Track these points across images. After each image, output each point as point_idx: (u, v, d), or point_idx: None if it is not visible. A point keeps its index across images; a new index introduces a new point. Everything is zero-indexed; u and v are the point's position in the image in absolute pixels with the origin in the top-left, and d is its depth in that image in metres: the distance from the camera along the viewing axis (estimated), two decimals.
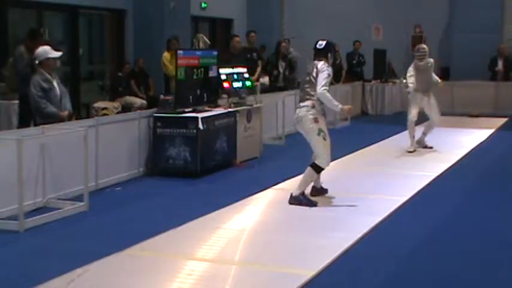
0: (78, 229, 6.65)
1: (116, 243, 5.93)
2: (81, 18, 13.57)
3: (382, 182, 8.73)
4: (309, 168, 7.35)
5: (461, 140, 12.58)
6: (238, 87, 10.22)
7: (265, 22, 18.43)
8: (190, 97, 9.36)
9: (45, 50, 7.88)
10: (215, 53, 10.19)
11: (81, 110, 12.69)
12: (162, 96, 9.49)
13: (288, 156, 10.86)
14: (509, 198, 8.11)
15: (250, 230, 6.46)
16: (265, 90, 12.70)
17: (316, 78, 7.21)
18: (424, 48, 11.19)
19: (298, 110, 7.40)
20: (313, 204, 7.28)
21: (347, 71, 17.50)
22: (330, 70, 7.22)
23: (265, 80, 13.71)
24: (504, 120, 15.62)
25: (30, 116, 8.97)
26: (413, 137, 11.04)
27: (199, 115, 9.03)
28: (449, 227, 6.82)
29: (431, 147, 11.23)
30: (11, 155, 6.52)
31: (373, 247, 6.09)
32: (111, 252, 5.70)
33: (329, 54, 7.36)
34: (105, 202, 7.69)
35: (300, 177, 7.55)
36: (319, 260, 5.58)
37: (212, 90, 9.87)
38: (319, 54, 7.37)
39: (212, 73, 9.80)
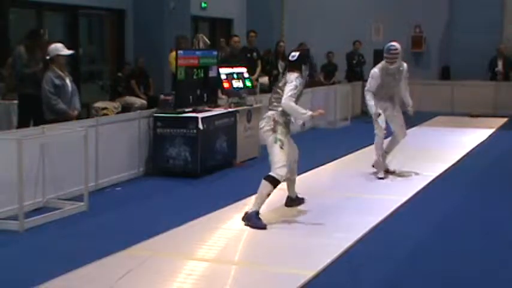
0: (78, 229, 6.65)
1: (116, 243, 5.93)
2: (81, 18, 13.57)
3: (382, 182, 8.72)
4: (263, 182, 6.66)
5: (461, 140, 12.58)
6: (238, 87, 10.22)
7: (265, 22, 18.45)
8: (190, 97, 9.36)
9: (57, 47, 8.09)
10: (215, 53, 10.20)
11: (81, 110, 12.68)
12: (162, 96, 9.49)
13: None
14: (509, 198, 8.11)
15: (250, 230, 6.46)
16: (264, 90, 12.71)
17: (283, 90, 6.72)
18: (396, 49, 8.84)
19: (260, 121, 7.00)
20: (262, 225, 6.52)
21: (347, 71, 17.51)
22: (299, 82, 6.68)
23: (265, 80, 13.72)
24: (504, 120, 15.62)
25: (30, 115, 9.02)
26: (382, 156, 9.05)
27: (199, 115, 9.03)
28: (449, 227, 6.82)
29: (393, 172, 9.22)
30: (11, 155, 6.52)
31: (373, 247, 6.09)
32: (111, 252, 5.70)
33: (303, 66, 6.80)
34: (105, 202, 7.69)
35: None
36: (319, 260, 5.58)
37: (212, 90, 9.87)
38: (292, 66, 6.83)
39: (212, 73, 9.80)
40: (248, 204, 7.52)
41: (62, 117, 7.94)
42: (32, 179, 7.10)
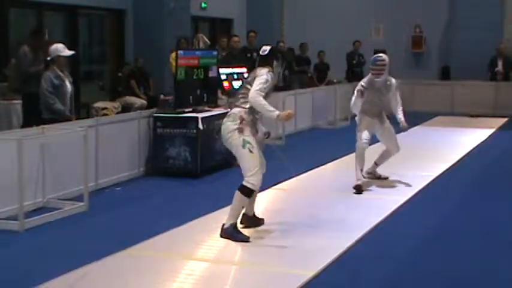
0: (78, 229, 6.66)
1: (116, 243, 5.93)
2: (81, 18, 13.57)
3: (382, 182, 8.72)
4: (236, 193, 6.10)
5: (461, 140, 12.58)
6: (238, 87, 10.22)
7: (265, 22, 18.45)
8: (190, 97, 9.36)
9: (58, 48, 8.10)
10: (215, 53, 10.21)
11: (81, 110, 12.69)
12: (162, 96, 9.50)
13: (288, 156, 10.83)
14: (509, 198, 8.11)
15: (250, 230, 6.45)
16: None
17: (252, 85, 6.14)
18: (382, 60, 8.15)
19: (223, 122, 6.27)
20: (245, 238, 6.07)
21: (347, 71, 17.51)
22: (270, 76, 6.12)
23: None
24: (504, 120, 15.62)
25: (35, 115, 9.04)
26: (362, 170, 8.31)
27: (199, 115, 9.03)
28: (449, 227, 6.82)
29: (386, 178, 8.83)
30: (11, 155, 6.52)
31: (373, 247, 6.09)
32: (111, 252, 5.70)
33: (274, 62, 6.30)
34: (105, 202, 7.70)
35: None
36: (319, 260, 5.59)
37: (212, 90, 9.87)
38: (263, 61, 6.31)
39: (212, 73, 9.80)
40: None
41: (59, 117, 7.94)
42: (32, 179, 7.10)
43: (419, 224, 6.89)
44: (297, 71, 16.52)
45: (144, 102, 12.78)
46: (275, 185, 8.48)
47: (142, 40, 13.88)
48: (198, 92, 9.50)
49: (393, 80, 8.37)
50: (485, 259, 5.81)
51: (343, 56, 17.32)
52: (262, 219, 6.66)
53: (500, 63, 17.16)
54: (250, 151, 6.07)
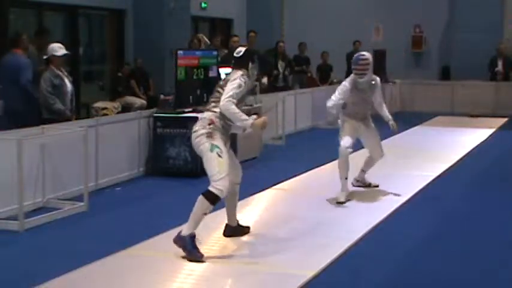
0: (78, 229, 6.66)
1: (116, 243, 5.93)
2: (81, 18, 13.57)
3: (382, 182, 8.71)
4: (200, 198, 5.61)
5: (461, 140, 12.58)
6: None
7: (265, 22, 18.45)
8: (190, 97, 9.36)
9: (53, 48, 8.18)
10: (215, 53, 10.21)
11: (81, 110, 12.69)
12: (162, 96, 9.49)
13: (288, 156, 10.86)
14: (509, 199, 8.11)
15: (250, 230, 6.45)
16: (264, 90, 12.71)
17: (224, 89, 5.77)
18: (365, 58, 7.61)
19: (193, 127, 5.88)
20: (198, 256, 5.52)
21: (347, 71, 17.48)
22: (243, 81, 5.74)
23: (264, 80, 13.72)
24: (504, 120, 15.62)
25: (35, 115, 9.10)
26: (346, 178, 7.70)
27: (199, 115, 8.99)
28: (449, 227, 6.82)
29: (376, 186, 8.35)
30: (11, 155, 6.52)
31: (373, 247, 6.09)
32: (111, 252, 5.70)
33: (250, 64, 5.89)
34: (105, 202, 7.70)
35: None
36: (319, 260, 5.59)
37: (212, 90, 9.84)
38: (237, 63, 5.93)
39: (212, 73, 9.80)
40: (249, 203, 7.55)
41: (59, 117, 7.97)
42: (32, 179, 7.10)
43: (419, 224, 6.89)
44: (296, 70, 16.52)
45: (144, 102, 12.78)
46: (275, 185, 8.48)
47: (142, 40, 13.87)
48: (198, 92, 9.50)
49: (377, 79, 7.92)
50: (485, 259, 5.80)
51: (343, 56, 17.30)
52: (247, 227, 6.36)
53: (500, 63, 17.17)
54: (219, 155, 5.60)
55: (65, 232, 6.53)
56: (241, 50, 6.01)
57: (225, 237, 6.24)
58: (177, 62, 9.18)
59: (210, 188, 5.59)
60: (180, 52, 9.37)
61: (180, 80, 9.20)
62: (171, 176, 8.95)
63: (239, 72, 5.83)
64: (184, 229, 5.60)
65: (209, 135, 5.67)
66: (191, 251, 5.53)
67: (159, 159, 9.10)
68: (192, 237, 5.56)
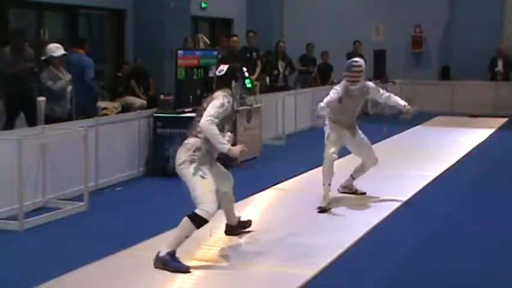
0: (78, 229, 6.66)
1: (116, 243, 5.93)
2: (81, 18, 13.57)
3: (382, 182, 8.71)
4: (185, 220, 5.40)
5: (461, 140, 12.58)
6: None
7: (265, 22, 18.45)
8: (190, 97, 9.37)
9: (51, 49, 8.22)
10: (215, 53, 10.21)
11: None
12: (162, 96, 9.49)
13: (288, 156, 10.86)
14: (509, 198, 8.11)
15: (250, 230, 6.45)
16: (264, 90, 12.72)
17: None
18: (359, 65, 7.37)
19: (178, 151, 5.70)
20: (184, 269, 5.33)
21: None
22: (226, 100, 5.61)
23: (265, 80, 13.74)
24: (504, 120, 15.62)
25: (14, 116, 9.15)
26: (330, 185, 7.46)
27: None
28: (449, 227, 6.82)
29: (363, 193, 8.02)
30: (11, 155, 6.52)
31: (373, 247, 6.09)
32: (111, 252, 5.70)
33: (233, 83, 5.80)
34: (105, 202, 7.70)
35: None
36: (319, 260, 5.59)
37: (212, 90, 9.84)
38: (220, 82, 5.82)
39: (212, 73, 9.79)
40: (249, 203, 7.55)
41: (59, 117, 8.09)
42: (32, 179, 7.10)
43: (419, 224, 6.89)
44: (302, 70, 16.53)
45: (144, 102, 12.78)
46: (275, 185, 8.49)
47: (142, 40, 13.87)
48: (198, 92, 9.50)
49: (370, 84, 7.69)
50: (485, 259, 5.81)
51: (343, 56, 17.28)
52: (248, 222, 6.38)
53: (500, 63, 17.17)
54: (202, 177, 5.46)
55: (65, 232, 6.53)
56: (223, 69, 5.87)
57: (224, 238, 6.24)
58: (177, 62, 9.19)
59: (197, 211, 5.41)
60: (180, 52, 9.37)
61: (180, 80, 9.21)
62: (171, 176, 8.91)
63: (222, 92, 5.72)
64: (163, 248, 5.38)
65: (192, 161, 5.53)
66: (176, 267, 5.32)
67: (159, 159, 9.10)
68: (172, 255, 5.35)
